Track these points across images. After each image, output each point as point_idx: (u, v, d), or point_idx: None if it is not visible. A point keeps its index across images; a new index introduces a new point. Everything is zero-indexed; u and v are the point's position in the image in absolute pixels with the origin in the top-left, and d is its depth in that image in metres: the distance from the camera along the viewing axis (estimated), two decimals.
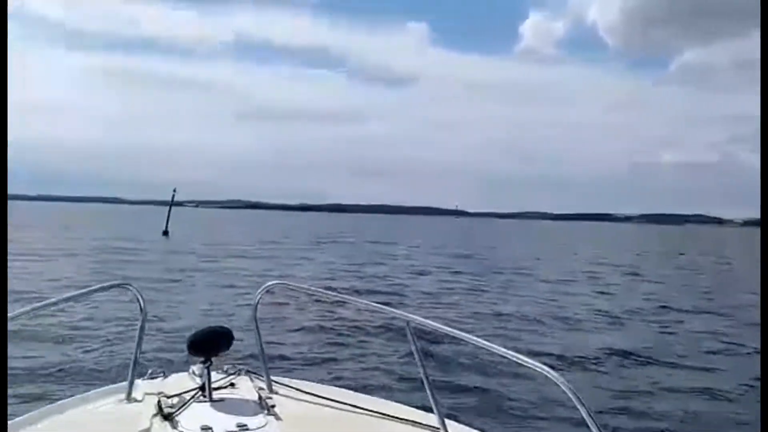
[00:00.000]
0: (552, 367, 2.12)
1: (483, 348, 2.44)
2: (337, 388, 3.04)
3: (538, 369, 2.08)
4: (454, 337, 2.60)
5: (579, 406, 1.92)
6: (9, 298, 14.07)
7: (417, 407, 2.83)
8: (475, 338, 2.51)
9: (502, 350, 2.31)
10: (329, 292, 3.76)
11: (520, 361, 2.19)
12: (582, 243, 63.72)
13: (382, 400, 2.93)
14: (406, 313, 2.70)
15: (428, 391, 2.56)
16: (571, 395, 1.94)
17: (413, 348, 2.61)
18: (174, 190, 45.94)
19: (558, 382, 1.98)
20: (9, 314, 2.53)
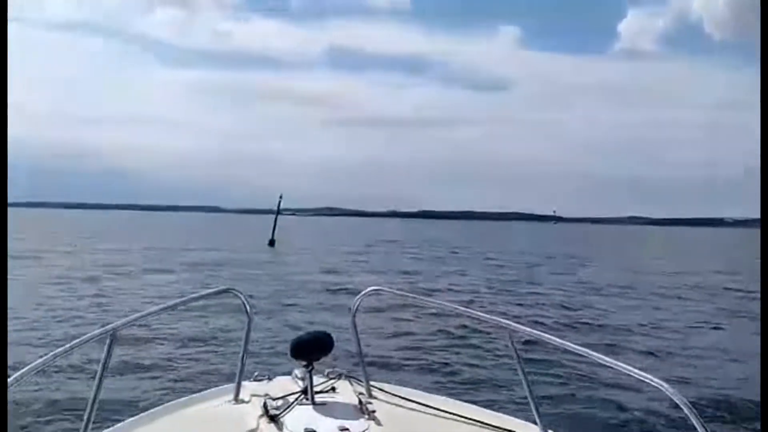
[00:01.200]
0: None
1: (588, 358, 2.36)
2: (435, 395, 3.02)
3: (653, 383, 1.98)
4: (556, 346, 2.52)
5: (697, 424, 1.81)
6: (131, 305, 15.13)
7: (518, 417, 2.77)
8: (581, 348, 2.43)
9: (609, 360, 2.21)
10: (427, 299, 3.75)
11: (631, 374, 2.10)
12: (708, 250, 57.57)
13: (482, 409, 2.89)
14: (506, 321, 2.65)
15: (530, 401, 2.49)
16: (687, 411, 1.84)
17: (514, 356, 2.56)
18: (280, 197, 43.06)
19: (674, 398, 1.88)
20: (129, 318, 2.69)
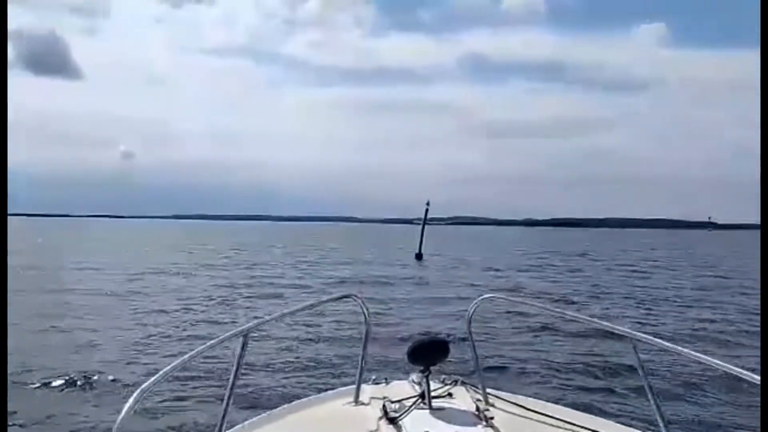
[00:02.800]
0: None
1: (717, 369, 2.25)
2: (554, 404, 2.97)
3: None
4: (683, 356, 2.42)
5: None
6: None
7: (642, 429, 2.67)
8: (708, 358, 2.32)
9: (737, 370, 2.10)
10: (546, 306, 3.66)
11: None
12: None
13: (603, 420, 2.81)
14: (629, 330, 2.57)
15: (657, 413, 2.40)
16: None
17: (638, 366, 2.47)
18: (427, 205, 38.28)
19: None
20: (259, 321, 2.86)
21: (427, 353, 2.82)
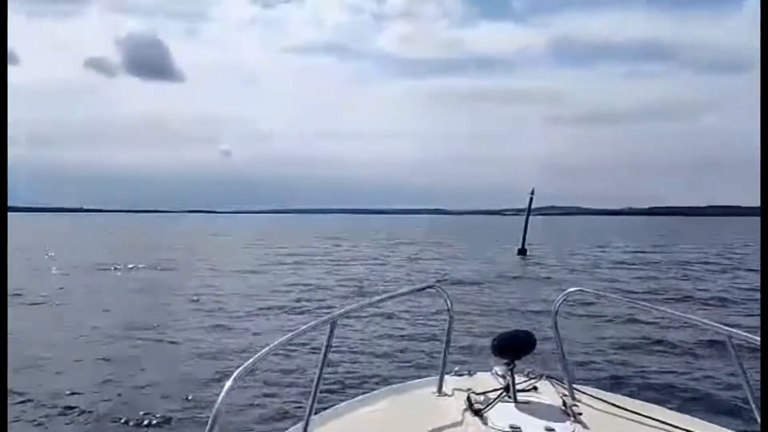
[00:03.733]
0: None
1: None
2: (643, 402, 2.88)
3: None
4: None
5: None
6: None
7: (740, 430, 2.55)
8: None
9: None
10: (637, 301, 3.53)
11: None
12: None
13: (698, 420, 2.70)
14: (726, 327, 2.46)
15: (756, 415, 2.29)
16: None
17: (736, 365, 2.36)
18: (531, 193, 33.45)
19: None
20: (347, 308, 2.92)
21: (513, 346, 2.78)
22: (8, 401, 6.96)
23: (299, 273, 22.88)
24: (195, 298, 15.87)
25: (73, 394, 7.72)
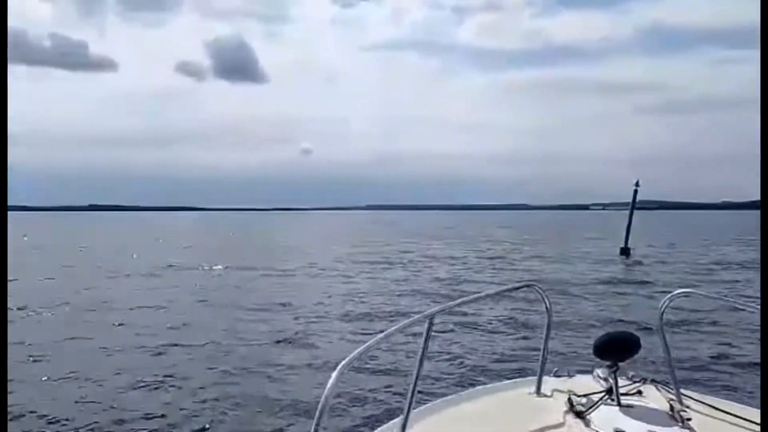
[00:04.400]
0: None
1: None
2: (753, 409, 2.73)
3: None
4: None
5: None
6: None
7: None
8: None
9: None
10: (748, 303, 3.32)
11: None
12: None
13: None
14: None
15: None
16: None
17: None
18: (636, 185, 29.34)
19: None
20: (444, 305, 2.96)
21: (616, 348, 2.71)
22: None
23: (389, 272, 22.93)
24: (312, 294, 16.44)
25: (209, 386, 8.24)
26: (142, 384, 8.13)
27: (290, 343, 10.70)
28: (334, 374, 2.04)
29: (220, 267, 24.00)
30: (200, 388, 7.95)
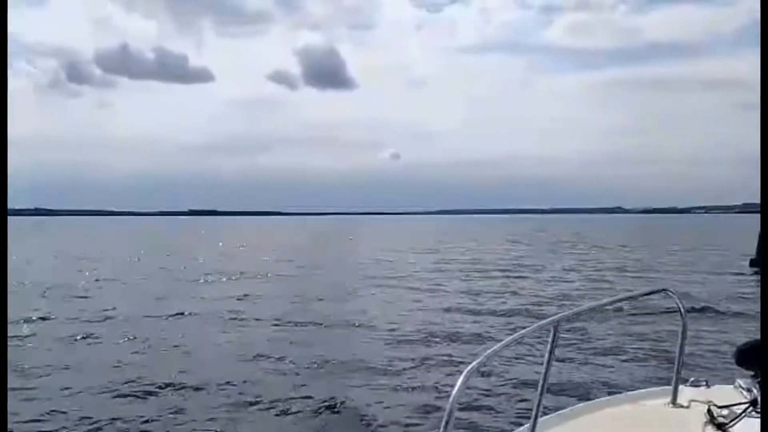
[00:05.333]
0: None
1: None
2: None
3: None
4: None
5: None
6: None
7: None
8: None
9: None
10: None
11: None
12: None
13: None
14: None
15: None
16: None
17: None
18: None
19: None
20: (571, 311, 2.88)
21: (761, 356, 2.54)
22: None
23: (487, 280, 21.85)
24: (424, 301, 16.54)
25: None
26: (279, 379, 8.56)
27: (414, 345, 10.81)
28: (459, 380, 2.06)
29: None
30: (325, 390, 8.17)
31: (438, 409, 6.96)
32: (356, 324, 12.84)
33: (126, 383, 8.40)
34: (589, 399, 2.97)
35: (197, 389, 8.20)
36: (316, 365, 9.38)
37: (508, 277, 22.24)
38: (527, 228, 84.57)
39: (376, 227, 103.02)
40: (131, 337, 11.51)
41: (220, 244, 47.16)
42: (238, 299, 16.66)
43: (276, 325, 12.97)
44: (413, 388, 8.20)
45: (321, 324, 12.93)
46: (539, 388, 2.40)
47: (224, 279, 22.04)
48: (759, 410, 2.44)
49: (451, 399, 2.04)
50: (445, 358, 9.78)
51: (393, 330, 12.16)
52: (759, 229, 24.58)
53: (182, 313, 14.29)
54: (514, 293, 17.52)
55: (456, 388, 2.04)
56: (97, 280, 21.37)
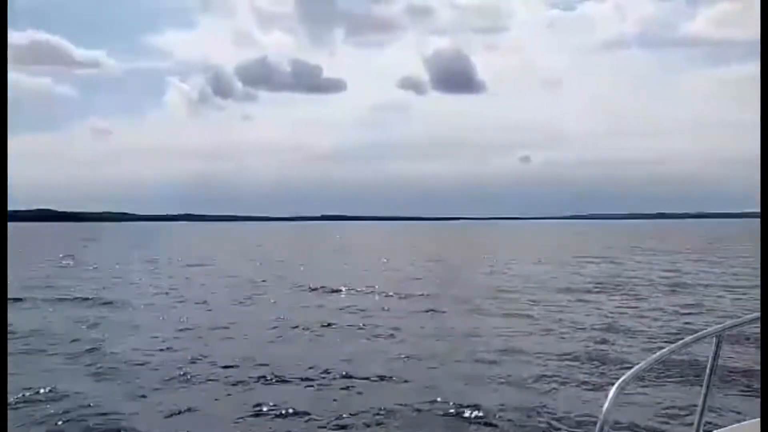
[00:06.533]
0: None
1: None
2: None
3: None
4: None
5: None
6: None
7: None
8: None
9: None
10: None
11: None
12: None
13: None
14: None
15: None
16: None
17: None
18: None
19: None
20: (735, 321, 2.65)
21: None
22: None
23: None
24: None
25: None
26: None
27: (574, 358, 10.41)
28: (611, 392, 1.98)
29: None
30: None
31: (590, 423, 6.69)
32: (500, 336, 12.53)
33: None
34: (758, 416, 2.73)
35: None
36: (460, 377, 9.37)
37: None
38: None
39: (507, 233, 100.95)
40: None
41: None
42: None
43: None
44: (565, 401, 7.97)
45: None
46: (700, 404, 2.26)
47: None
48: None
49: (602, 414, 1.96)
50: (592, 372, 9.40)
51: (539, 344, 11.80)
52: None
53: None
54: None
55: (607, 401, 1.96)
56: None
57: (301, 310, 15.85)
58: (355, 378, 9.10)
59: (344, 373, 9.32)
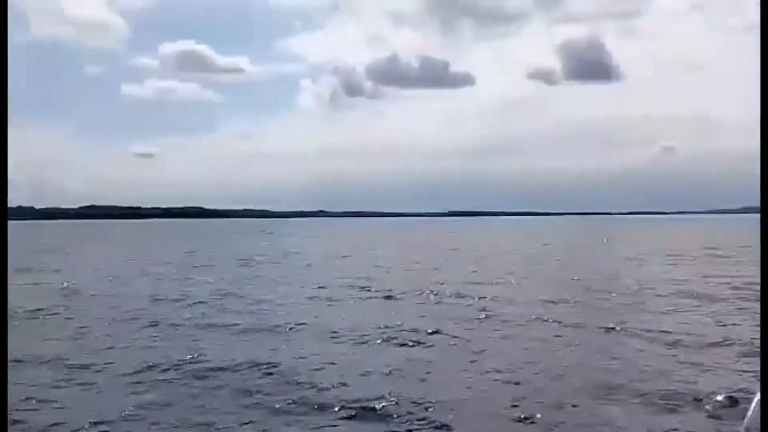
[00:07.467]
0: None
1: None
2: None
3: None
4: None
5: None
6: None
7: None
8: None
9: None
10: None
11: None
12: None
13: None
14: None
15: None
16: None
17: None
18: None
19: None
20: None
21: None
22: None
23: None
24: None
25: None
26: None
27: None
28: (753, 403, 1.84)
29: None
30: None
31: None
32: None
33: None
34: None
35: None
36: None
37: None
38: None
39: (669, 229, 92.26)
40: None
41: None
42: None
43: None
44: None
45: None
46: None
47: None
48: None
49: (743, 426, 1.82)
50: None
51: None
52: None
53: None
54: None
55: (749, 413, 1.81)
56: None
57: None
58: None
59: None
